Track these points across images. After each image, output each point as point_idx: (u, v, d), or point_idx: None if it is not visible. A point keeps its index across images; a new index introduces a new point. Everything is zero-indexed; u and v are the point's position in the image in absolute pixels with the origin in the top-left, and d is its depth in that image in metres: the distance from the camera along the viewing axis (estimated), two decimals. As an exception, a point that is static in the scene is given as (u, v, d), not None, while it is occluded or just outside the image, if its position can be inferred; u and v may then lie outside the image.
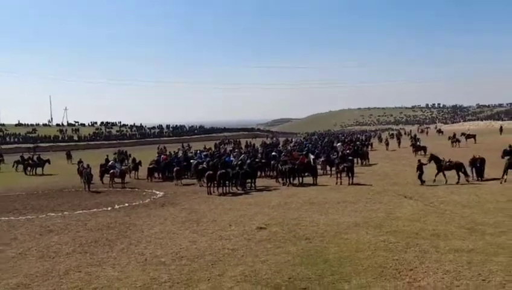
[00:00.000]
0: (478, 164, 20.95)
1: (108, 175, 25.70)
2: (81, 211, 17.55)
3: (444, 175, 20.57)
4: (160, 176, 28.06)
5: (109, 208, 18.04)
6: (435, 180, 20.37)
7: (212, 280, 9.18)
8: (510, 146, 21.40)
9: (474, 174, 20.93)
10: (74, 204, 19.37)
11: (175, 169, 25.85)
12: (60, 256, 11.33)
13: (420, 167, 20.62)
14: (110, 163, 28.89)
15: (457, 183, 20.02)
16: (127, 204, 18.85)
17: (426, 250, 10.38)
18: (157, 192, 22.07)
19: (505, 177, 19.65)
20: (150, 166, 28.06)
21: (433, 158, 21.46)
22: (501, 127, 58.41)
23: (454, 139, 42.45)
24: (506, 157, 20.61)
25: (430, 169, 21.13)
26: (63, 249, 11.95)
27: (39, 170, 34.57)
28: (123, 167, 27.67)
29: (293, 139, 60.56)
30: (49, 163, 36.44)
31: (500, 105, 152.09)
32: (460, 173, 20.47)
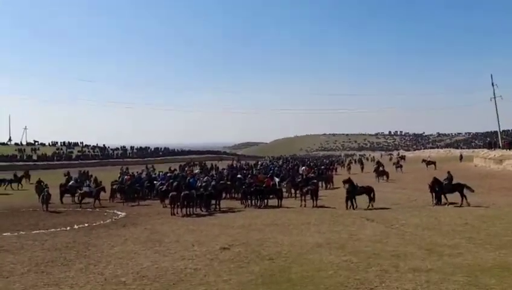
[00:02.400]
0: (437, 189, 21.69)
1: (70, 195, 25.07)
2: (38, 231, 16.93)
3: (355, 199, 21.29)
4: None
5: (68, 228, 17.48)
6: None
7: (173, 299, 9.02)
8: (448, 172, 22.79)
9: (434, 198, 21.62)
10: (31, 224, 18.68)
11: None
12: (14, 275, 10.87)
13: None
14: (70, 183, 28.27)
15: (368, 207, 20.86)
16: (86, 224, 18.33)
17: (386, 270, 10.54)
18: (119, 212, 21.59)
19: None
20: (113, 186, 27.56)
21: (349, 182, 21.98)
22: (461, 155, 60.71)
23: (398, 165, 46.26)
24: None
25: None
26: (18, 269, 11.46)
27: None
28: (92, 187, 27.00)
29: (259, 162, 60.78)
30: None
31: (459, 134, 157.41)
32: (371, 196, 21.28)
